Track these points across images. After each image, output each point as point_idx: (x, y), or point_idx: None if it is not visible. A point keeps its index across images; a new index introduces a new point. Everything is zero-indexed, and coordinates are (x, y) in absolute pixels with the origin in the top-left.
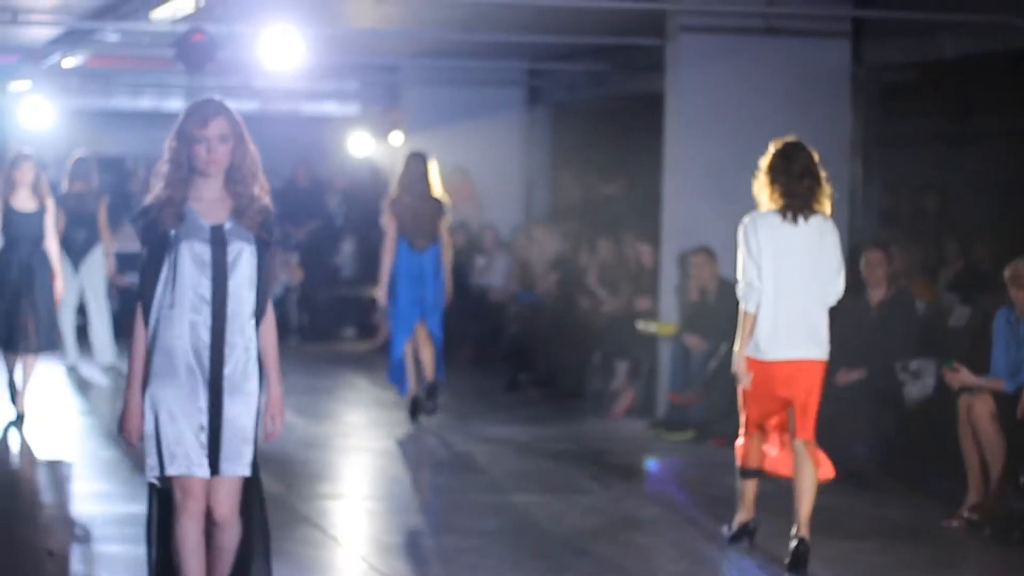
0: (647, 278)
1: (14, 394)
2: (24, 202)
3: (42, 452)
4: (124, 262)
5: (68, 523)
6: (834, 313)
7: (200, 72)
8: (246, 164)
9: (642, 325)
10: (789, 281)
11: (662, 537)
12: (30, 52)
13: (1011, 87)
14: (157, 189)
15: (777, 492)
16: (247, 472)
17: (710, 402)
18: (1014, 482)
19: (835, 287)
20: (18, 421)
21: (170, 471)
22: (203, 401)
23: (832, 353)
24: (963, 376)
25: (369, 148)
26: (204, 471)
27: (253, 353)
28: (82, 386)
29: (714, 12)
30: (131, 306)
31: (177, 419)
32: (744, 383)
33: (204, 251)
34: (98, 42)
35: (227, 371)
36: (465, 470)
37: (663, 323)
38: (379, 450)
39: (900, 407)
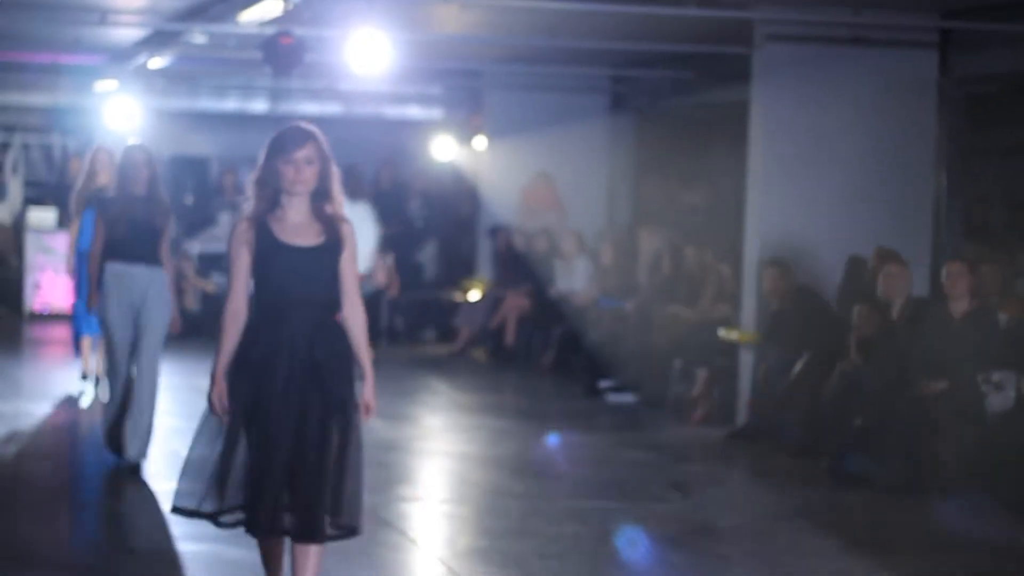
0: (729, 286)
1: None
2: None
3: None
4: (207, 263)
5: (148, 522)
6: (917, 325)
7: (287, 75)
8: None
9: (723, 333)
10: None
11: (742, 547)
12: (117, 53)
13: None
14: None
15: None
16: None
17: (789, 411)
18: None
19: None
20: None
21: None
22: None
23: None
24: None
25: (452, 152)
26: None
27: None
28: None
29: (801, 22)
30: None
31: None
32: None
33: None
34: (185, 44)
35: None
36: (544, 476)
37: (744, 331)
38: (458, 454)
39: (982, 419)
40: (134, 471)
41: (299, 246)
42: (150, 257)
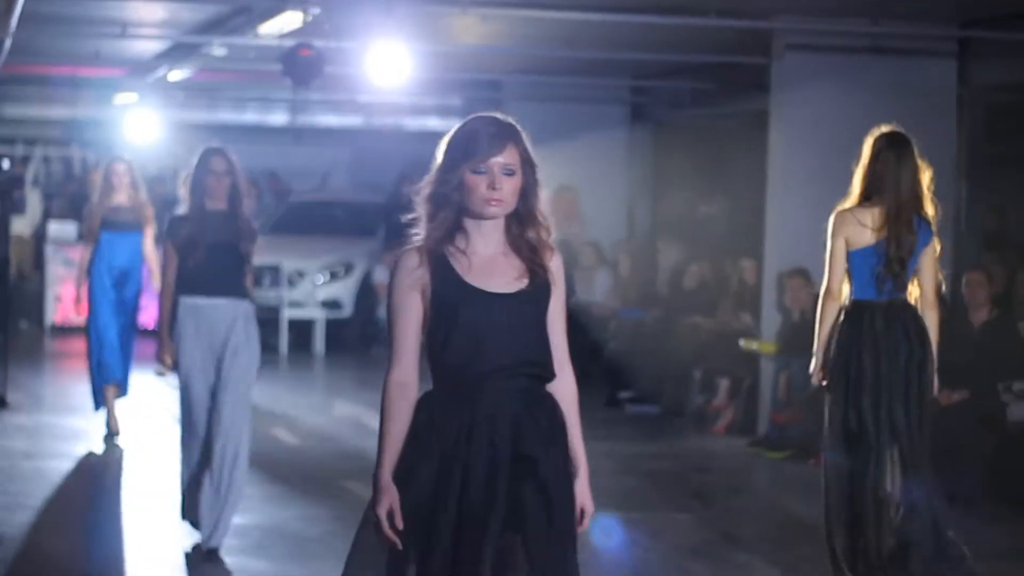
0: (749, 295)
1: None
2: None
3: (149, 467)
4: None
5: (169, 534)
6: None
7: (306, 87)
8: None
9: (744, 343)
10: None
11: (763, 556)
12: (137, 65)
13: None
14: None
15: None
16: None
17: (810, 421)
18: None
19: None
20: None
21: None
22: None
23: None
24: None
25: None
26: None
27: None
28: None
29: (820, 31)
30: None
31: None
32: None
33: None
34: (204, 56)
35: None
36: None
37: (765, 341)
38: None
39: (1003, 428)
40: (210, 555)
41: (496, 292)
42: (234, 288)
